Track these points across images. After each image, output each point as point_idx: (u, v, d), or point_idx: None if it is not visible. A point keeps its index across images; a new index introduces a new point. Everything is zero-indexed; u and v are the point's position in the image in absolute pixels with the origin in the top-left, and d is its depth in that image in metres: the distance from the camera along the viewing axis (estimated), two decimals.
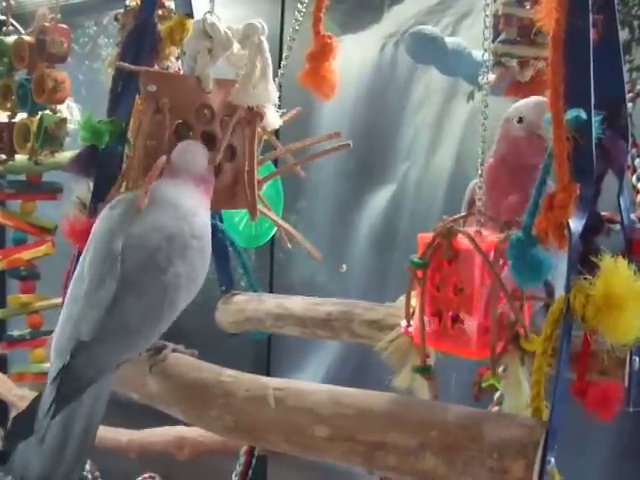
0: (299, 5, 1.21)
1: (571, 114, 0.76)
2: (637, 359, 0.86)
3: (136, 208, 0.93)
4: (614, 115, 0.86)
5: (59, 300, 1.07)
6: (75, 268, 0.95)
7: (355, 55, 2.09)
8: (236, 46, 1.05)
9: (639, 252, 0.89)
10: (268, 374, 2.01)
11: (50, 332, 1.90)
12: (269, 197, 1.18)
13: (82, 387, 0.85)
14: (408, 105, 2.05)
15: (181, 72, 1.28)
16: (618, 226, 0.91)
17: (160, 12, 1.29)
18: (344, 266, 2.12)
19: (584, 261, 0.75)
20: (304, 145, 1.14)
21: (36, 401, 0.86)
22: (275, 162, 1.29)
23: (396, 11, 2.08)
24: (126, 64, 1.08)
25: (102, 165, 1.10)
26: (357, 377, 2.02)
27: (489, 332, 0.85)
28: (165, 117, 1.03)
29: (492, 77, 1.14)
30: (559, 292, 0.86)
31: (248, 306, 1.30)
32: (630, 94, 1.34)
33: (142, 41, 1.14)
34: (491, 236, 0.88)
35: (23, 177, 2.07)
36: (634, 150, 1.32)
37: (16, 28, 2.04)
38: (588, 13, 0.78)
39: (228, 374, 0.92)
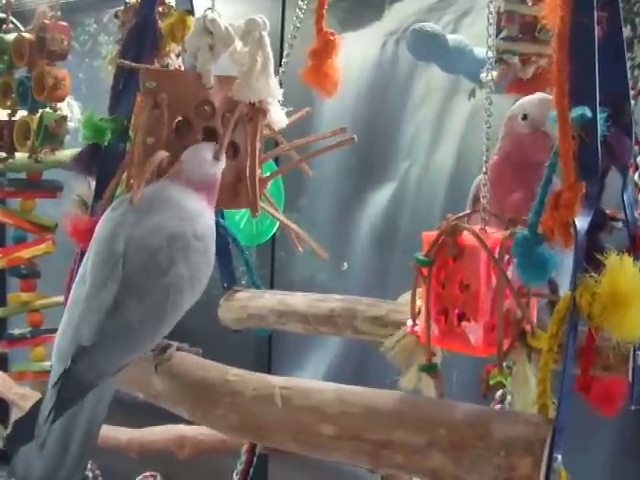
0: (300, 2, 1.21)
1: (576, 112, 0.76)
2: None
3: (129, 202, 0.92)
4: (618, 112, 0.86)
5: (60, 298, 1.06)
6: (78, 267, 0.95)
7: (356, 52, 2.08)
8: (239, 44, 1.04)
9: None
10: (269, 371, 2.00)
11: (50, 330, 1.91)
12: (270, 195, 1.17)
13: (83, 391, 0.85)
14: (409, 102, 2.05)
15: (182, 69, 1.28)
16: (620, 223, 0.91)
17: (160, 9, 1.28)
18: (345, 264, 2.12)
19: (589, 258, 0.75)
20: (308, 141, 1.12)
21: (37, 406, 0.86)
22: (276, 160, 1.28)
23: (397, 8, 2.08)
24: (127, 62, 1.07)
25: (104, 163, 1.10)
26: (358, 374, 2.02)
27: (495, 329, 0.85)
28: (163, 113, 1.01)
29: (495, 74, 1.14)
30: (563, 289, 0.86)
31: (250, 303, 1.29)
32: (632, 91, 1.34)
33: (143, 38, 1.14)
34: (496, 233, 0.87)
35: (23, 175, 2.07)
36: (636, 147, 1.32)
37: (16, 26, 2.04)
38: (593, 10, 0.78)
39: (234, 373, 0.92)
